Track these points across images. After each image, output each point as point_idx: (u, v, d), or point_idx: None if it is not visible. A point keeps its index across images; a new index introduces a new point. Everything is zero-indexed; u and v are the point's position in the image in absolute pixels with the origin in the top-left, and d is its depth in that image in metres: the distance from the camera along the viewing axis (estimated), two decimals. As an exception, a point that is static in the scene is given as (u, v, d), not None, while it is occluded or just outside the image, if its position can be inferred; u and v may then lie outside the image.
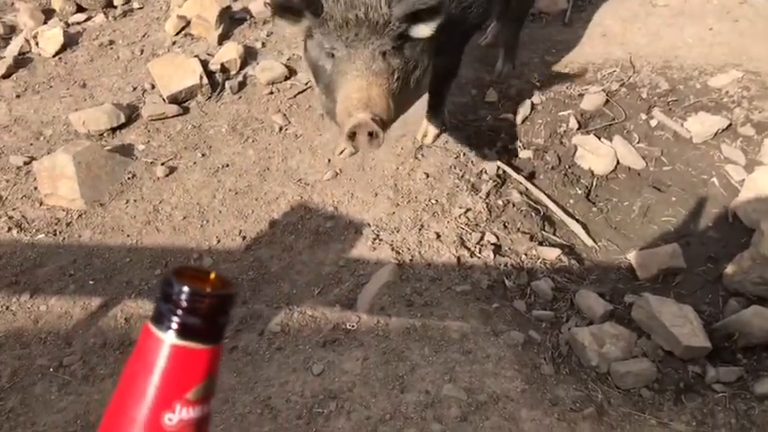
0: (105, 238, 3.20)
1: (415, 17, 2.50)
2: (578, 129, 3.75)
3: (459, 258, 3.00)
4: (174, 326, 0.70)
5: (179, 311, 0.70)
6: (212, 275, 0.76)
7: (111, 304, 2.92)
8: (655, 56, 4.12)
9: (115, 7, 4.79)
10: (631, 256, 3.19)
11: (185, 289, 0.70)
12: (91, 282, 3.02)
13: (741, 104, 3.78)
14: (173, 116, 3.82)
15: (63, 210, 3.34)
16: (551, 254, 3.11)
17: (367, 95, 2.41)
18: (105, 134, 3.72)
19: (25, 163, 3.60)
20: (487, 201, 3.32)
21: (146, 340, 0.71)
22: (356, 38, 2.45)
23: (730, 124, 3.72)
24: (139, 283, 3.00)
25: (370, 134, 2.41)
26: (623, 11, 4.55)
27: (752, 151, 3.63)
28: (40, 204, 3.39)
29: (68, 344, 2.78)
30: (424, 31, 2.54)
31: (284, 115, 3.82)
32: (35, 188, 3.44)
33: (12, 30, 4.60)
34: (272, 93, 3.98)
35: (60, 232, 3.25)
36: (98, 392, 2.56)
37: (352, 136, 2.43)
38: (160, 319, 0.71)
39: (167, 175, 3.49)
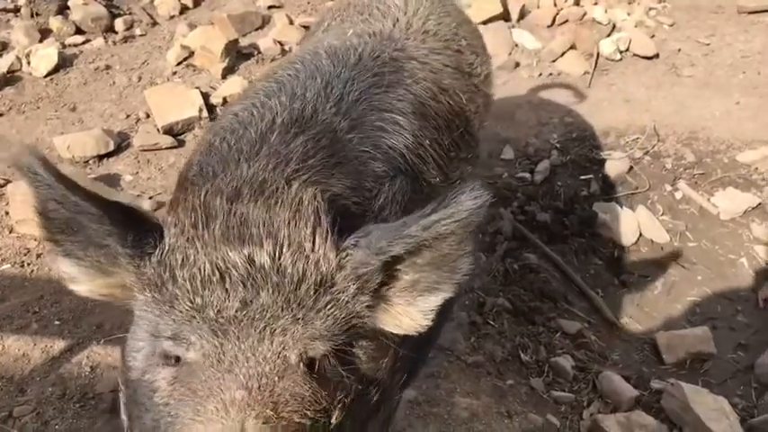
0: (78, 274, 2.87)
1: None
2: (600, 195, 3.52)
3: (473, 323, 2.71)
4: None
5: None
6: None
7: (76, 349, 2.59)
8: (680, 126, 3.93)
9: (116, 32, 4.57)
10: (657, 337, 2.90)
11: None
12: (56, 322, 2.69)
13: (772, 183, 3.57)
14: (166, 148, 3.55)
15: (35, 239, 3.01)
16: (572, 327, 2.82)
17: None
18: (91, 161, 3.43)
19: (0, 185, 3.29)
20: (504, 263, 3.05)
21: None
22: (244, 316, 1.09)
23: (760, 203, 3.50)
24: (111, 328, 2.66)
25: None
26: (647, 78, 4.38)
27: (783, 233, 3.40)
28: (10, 231, 3.07)
29: (22, 391, 2.44)
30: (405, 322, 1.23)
31: (286, 156, 3.55)
32: (6, 213, 3.12)
33: (3, 47, 4.36)
34: (274, 132, 3.72)
35: (29, 264, 2.92)
36: (49, 453, 2.21)
37: None
38: None
39: (155, 210, 3.19)
